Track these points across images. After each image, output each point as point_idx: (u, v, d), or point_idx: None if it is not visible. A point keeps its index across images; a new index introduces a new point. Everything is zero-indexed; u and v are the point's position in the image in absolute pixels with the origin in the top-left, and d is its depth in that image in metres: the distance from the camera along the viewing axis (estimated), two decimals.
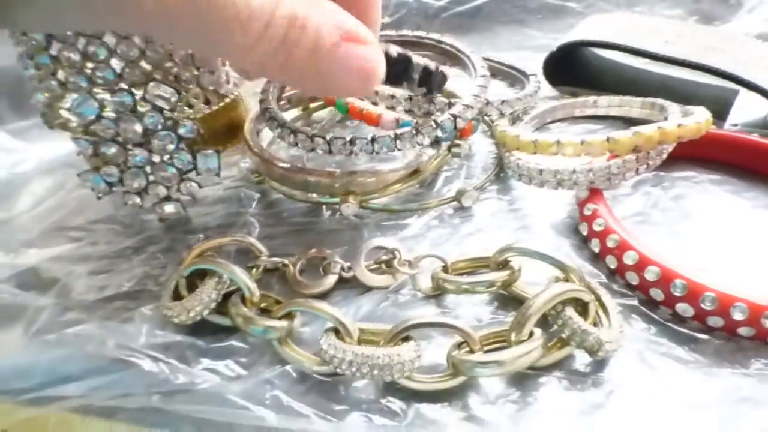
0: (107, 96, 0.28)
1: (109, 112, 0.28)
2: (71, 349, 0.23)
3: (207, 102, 0.32)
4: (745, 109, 0.37)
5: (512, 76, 0.43)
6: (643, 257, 0.24)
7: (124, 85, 0.28)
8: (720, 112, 0.36)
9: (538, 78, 0.40)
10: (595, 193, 0.29)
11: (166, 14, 0.16)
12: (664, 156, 0.29)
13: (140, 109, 0.28)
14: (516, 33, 0.52)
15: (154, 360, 0.22)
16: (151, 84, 0.28)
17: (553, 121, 0.38)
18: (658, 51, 0.37)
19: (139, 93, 0.28)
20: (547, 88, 0.41)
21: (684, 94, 0.38)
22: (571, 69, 0.42)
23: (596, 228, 0.27)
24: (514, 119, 0.36)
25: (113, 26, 0.19)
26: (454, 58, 0.35)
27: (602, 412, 0.21)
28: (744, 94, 0.36)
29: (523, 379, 0.22)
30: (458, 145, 0.31)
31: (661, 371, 0.22)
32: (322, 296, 0.27)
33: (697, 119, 0.28)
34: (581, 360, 0.23)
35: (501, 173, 0.34)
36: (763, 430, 0.19)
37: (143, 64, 0.28)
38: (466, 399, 0.22)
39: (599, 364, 0.23)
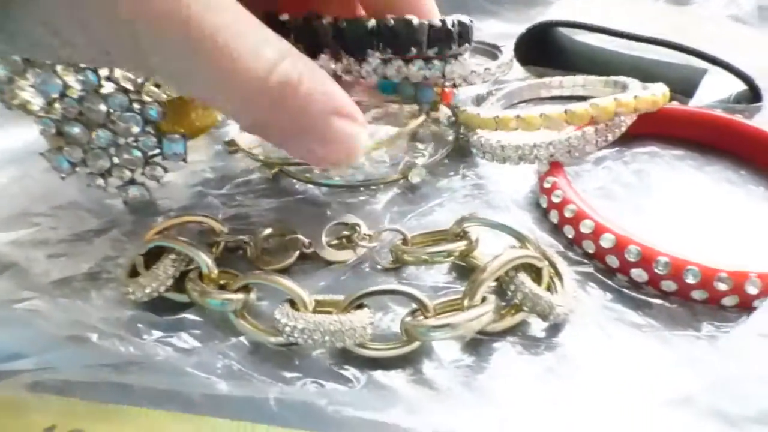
0: (71, 74, 0.28)
1: (72, 91, 0.28)
2: (22, 326, 0.23)
3: None
4: (716, 88, 0.37)
5: (485, 51, 0.43)
6: (599, 225, 0.25)
7: None
8: (688, 91, 0.36)
9: (510, 49, 0.40)
10: (555, 166, 0.29)
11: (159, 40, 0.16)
12: (623, 129, 0.29)
13: (105, 89, 0.28)
14: (486, 24, 0.52)
15: (107, 335, 0.22)
16: None
17: (519, 102, 0.38)
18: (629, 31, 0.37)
19: (104, 73, 0.28)
20: (516, 69, 0.41)
21: (655, 74, 0.38)
22: (544, 52, 0.42)
23: (555, 200, 0.27)
24: (479, 101, 0.36)
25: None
26: None
27: (555, 375, 0.21)
28: (714, 75, 0.36)
29: (477, 345, 0.22)
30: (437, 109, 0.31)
31: (615, 336, 0.22)
32: (283, 272, 0.27)
33: (654, 92, 0.28)
34: (537, 326, 0.23)
35: (462, 154, 0.34)
36: (707, 387, 0.19)
37: None
38: (420, 365, 0.21)
39: (554, 330, 0.23)
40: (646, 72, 0.39)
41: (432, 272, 0.26)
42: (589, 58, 0.43)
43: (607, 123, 0.28)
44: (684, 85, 0.37)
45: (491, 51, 0.42)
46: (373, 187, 0.31)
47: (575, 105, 0.28)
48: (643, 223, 0.27)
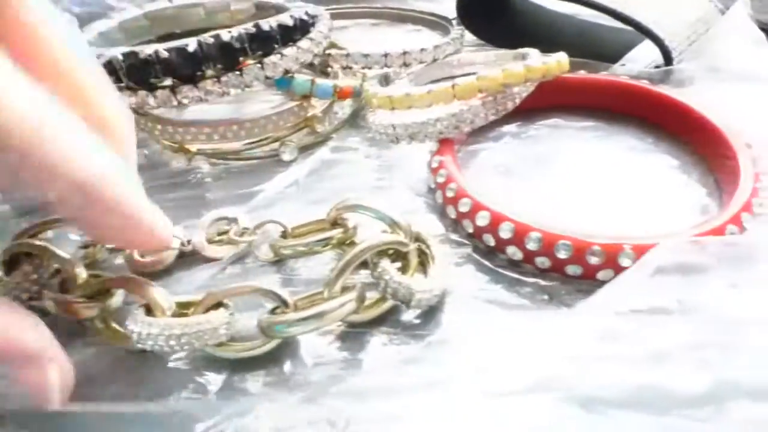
0: None
1: None
2: None
3: None
4: (650, 54, 0.35)
5: (437, 24, 0.42)
6: (475, 203, 0.23)
7: None
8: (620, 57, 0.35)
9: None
10: (444, 145, 0.28)
11: None
12: (517, 101, 0.28)
13: None
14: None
15: None
16: None
17: (431, 82, 0.37)
18: None
19: None
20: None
21: (597, 39, 0.38)
22: (487, 12, 0.40)
23: (439, 180, 0.26)
24: (387, 80, 0.35)
25: None
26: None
27: (424, 363, 0.20)
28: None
29: (346, 339, 0.21)
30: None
31: (487, 318, 0.21)
32: (163, 273, 0.25)
33: (546, 60, 0.27)
34: (412, 314, 0.22)
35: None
36: (571, 369, 0.18)
37: None
38: (282, 364, 0.20)
39: (427, 317, 0.22)
40: (589, 35, 0.38)
41: (315, 264, 0.25)
42: (533, 19, 0.41)
43: (496, 95, 0.27)
44: (623, 50, 0.35)
45: (443, 24, 0.41)
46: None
47: (462, 78, 0.27)
48: (544, 200, 0.26)
